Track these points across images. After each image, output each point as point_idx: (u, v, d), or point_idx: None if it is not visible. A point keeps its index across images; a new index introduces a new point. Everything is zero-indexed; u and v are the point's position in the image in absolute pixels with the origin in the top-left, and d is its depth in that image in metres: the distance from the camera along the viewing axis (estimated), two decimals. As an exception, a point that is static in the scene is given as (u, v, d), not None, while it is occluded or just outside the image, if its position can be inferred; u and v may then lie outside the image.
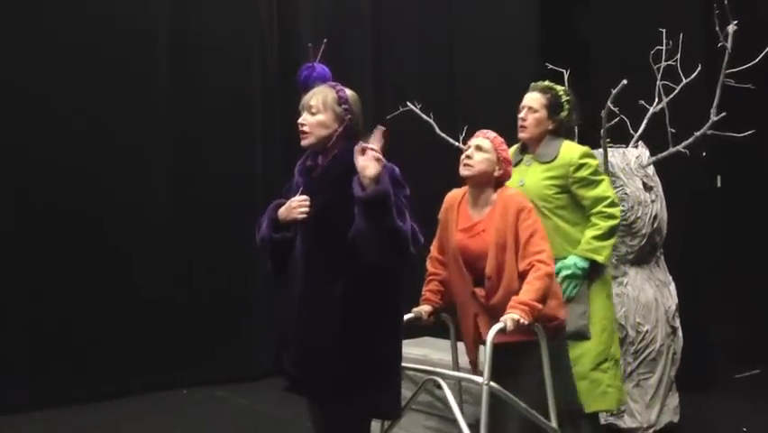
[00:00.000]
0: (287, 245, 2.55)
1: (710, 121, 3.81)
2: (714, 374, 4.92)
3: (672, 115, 4.00)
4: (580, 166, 3.18)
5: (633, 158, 3.97)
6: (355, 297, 2.42)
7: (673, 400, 3.97)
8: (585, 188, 3.19)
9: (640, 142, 4.10)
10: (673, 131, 3.97)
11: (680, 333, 3.98)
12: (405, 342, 2.88)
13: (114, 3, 5.04)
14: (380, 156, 2.32)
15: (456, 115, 5.38)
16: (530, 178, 3.22)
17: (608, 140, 3.95)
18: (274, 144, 5.63)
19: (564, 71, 4.30)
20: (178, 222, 5.27)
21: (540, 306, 2.66)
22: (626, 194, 3.89)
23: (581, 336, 3.13)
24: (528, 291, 2.65)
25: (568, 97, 3.33)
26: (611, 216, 3.17)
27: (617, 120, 4.13)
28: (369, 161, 2.31)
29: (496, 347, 2.63)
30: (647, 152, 4.04)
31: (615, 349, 3.24)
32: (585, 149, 3.27)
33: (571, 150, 3.23)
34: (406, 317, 2.87)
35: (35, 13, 4.72)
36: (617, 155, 3.96)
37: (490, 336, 2.54)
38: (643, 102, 4.13)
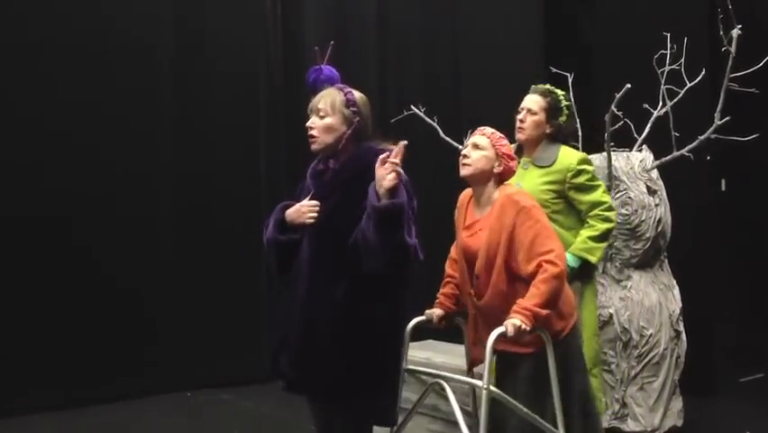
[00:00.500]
0: (292, 247, 2.56)
1: (714, 125, 3.81)
2: (718, 378, 4.91)
3: (676, 119, 4.00)
4: (579, 172, 3.21)
5: (637, 162, 3.97)
6: (357, 300, 2.43)
7: (677, 403, 3.97)
8: (582, 194, 3.23)
9: (644, 146, 4.11)
10: (677, 135, 3.97)
11: (683, 336, 3.98)
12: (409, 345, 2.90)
13: (116, 11, 5.04)
14: (400, 170, 2.31)
15: (460, 119, 5.39)
16: (527, 182, 3.23)
17: (612, 144, 3.96)
18: (278, 147, 5.64)
19: (568, 75, 4.31)
20: (183, 224, 5.28)
21: (544, 312, 2.56)
22: (629, 198, 3.89)
23: None
24: (533, 296, 2.56)
25: (567, 102, 3.36)
26: (608, 220, 3.22)
27: (620, 124, 4.13)
28: (388, 173, 2.29)
29: (497, 353, 2.63)
30: (651, 156, 4.04)
31: (601, 354, 3.30)
32: (582, 155, 3.30)
33: (569, 155, 3.25)
34: (416, 319, 2.88)
35: (37, 28, 4.72)
36: (620, 159, 3.97)
37: (490, 340, 2.50)
38: (647, 106, 4.13)
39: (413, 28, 6.28)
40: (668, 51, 4.07)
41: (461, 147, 4.42)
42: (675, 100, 4.03)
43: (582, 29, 5.92)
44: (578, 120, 4.02)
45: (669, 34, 4.10)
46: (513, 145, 3.33)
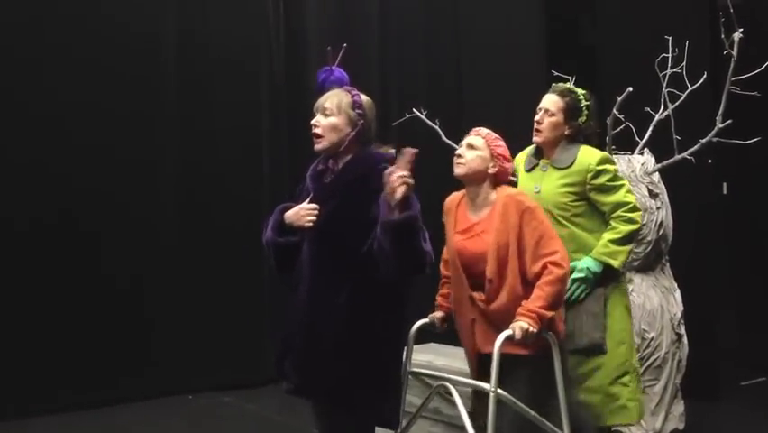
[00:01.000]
0: (291, 249, 2.55)
1: (716, 128, 3.81)
2: (720, 382, 4.90)
3: (677, 122, 4.00)
4: (599, 173, 3.07)
5: (638, 165, 3.98)
6: (359, 304, 2.42)
7: (679, 407, 3.97)
8: (604, 195, 3.08)
9: (645, 150, 4.10)
10: (679, 138, 3.97)
11: (685, 340, 3.98)
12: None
13: (118, 11, 5.04)
14: (410, 180, 2.28)
15: (462, 122, 5.39)
16: (546, 185, 3.13)
17: (614, 147, 3.96)
18: (281, 147, 5.64)
19: (570, 78, 4.31)
20: (185, 226, 5.28)
21: (549, 314, 2.57)
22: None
23: (597, 349, 3.03)
24: (538, 298, 2.56)
25: (588, 102, 3.19)
26: (631, 221, 3.06)
27: (622, 127, 4.13)
28: (398, 185, 2.27)
29: (487, 357, 2.62)
30: (653, 160, 4.04)
31: (635, 361, 3.16)
32: (603, 154, 3.16)
33: (588, 155, 3.10)
34: (419, 323, 2.87)
35: (39, 29, 4.73)
36: (622, 162, 3.97)
37: (498, 343, 2.49)
38: (648, 109, 4.13)
39: (415, 29, 6.29)
40: (670, 55, 4.08)
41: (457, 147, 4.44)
42: (677, 103, 4.03)
43: (584, 32, 5.93)
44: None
45: (671, 37, 4.10)
46: (531, 147, 3.29)
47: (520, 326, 2.52)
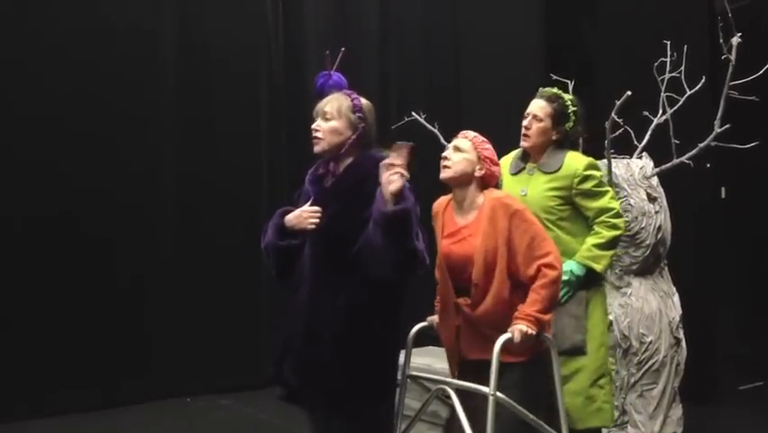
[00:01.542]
0: (292, 253, 2.54)
1: (714, 132, 3.82)
2: (718, 386, 4.91)
3: (676, 126, 4.01)
4: (585, 178, 3.11)
5: (637, 169, 3.98)
6: (358, 306, 2.41)
7: (677, 411, 3.97)
8: (589, 200, 3.13)
9: (644, 153, 4.11)
10: (677, 142, 3.98)
11: (683, 344, 3.98)
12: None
13: (117, 12, 5.05)
14: (405, 172, 2.28)
15: (461, 125, 5.39)
16: (533, 188, 3.16)
17: (613, 151, 3.97)
18: (280, 151, 5.65)
19: (569, 82, 4.32)
20: (183, 229, 5.28)
21: (547, 317, 2.58)
22: (630, 205, 3.89)
23: (578, 351, 3.07)
24: (534, 302, 2.56)
25: (575, 108, 3.22)
26: (615, 227, 3.12)
27: (621, 131, 4.14)
28: (393, 176, 2.27)
29: (476, 363, 2.62)
30: (651, 163, 4.05)
31: (609, 364, 3.21)
32: (590, 160, 3.20)
33: (575, 161, 3.15)
34: (418, 326, 2.86)
35: (36, 29, 4.74)
36: (621, 166, 3.97)
37: (497, 346, 2.48)
38: (647, 113, 4.14)
39: (414, 32, 6.31)
40: (668, 59, 4.08)
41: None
42: (675, 108, 4.04)
43: (583, 36, 5.94)
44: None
45: (669, 42, 4.11)
46: (517, 151, 3.33)
47: (519, 329, 2.51)
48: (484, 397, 2.50)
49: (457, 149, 2.76)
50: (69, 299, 4.77)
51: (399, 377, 2.88)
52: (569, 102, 3.23)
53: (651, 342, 3.84)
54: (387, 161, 2.30)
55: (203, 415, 4.83)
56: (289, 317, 2.55)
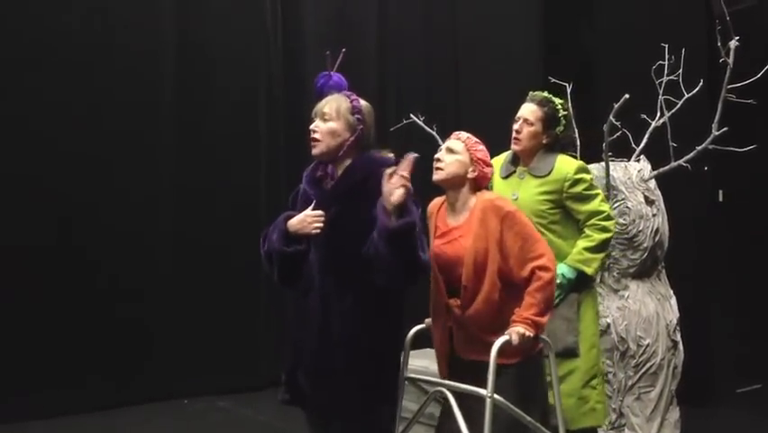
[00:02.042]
0: (299, 258, 2.51)
1: (712, 136, 3.83)
2: (715, 389, 4.91)
3: (673, 129, 4.02)
4: (576, 182, 3.13)
5: (634, 172, 3.99)
6: (365, 308, 2.41)
7: (674, 414, 3.97)
8: (580, 203, 3.15)
9: (642, 156, 4.12)
10: (675, 145, 3.99)
11: (680, 346, 3.99)
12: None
13: (116, 15, 5.05)
14: (409, 184, 2.26)
15: (460, 128, 5.39)
16: (524, 192, 3.18)
17: (610, 153, 3.97)
18: (278, 157, 5.65)
19: (567, 85, 4.33)
20: (182, 233, 5.28)
21: (544, 320, 2.57)
22: (627, 208, 3.90)
23: (571, 353, 3.10)
24: (531, 306, 2.55)
25: (565, 112, 3.26)
26: (605, 230, 3.14)
27: (619, 134, 4.15)
28: (396, 188, 2.25)
29: (468, 363, 2.62)
30: (649, 166, 4.05)
31: (601, 365, 3.24)
32: (580, 163, 3.22)
33: (566, 164, 3.17)
34: (416, 328, 2.86)
35: (40, 41, 4.74)
36: (618, 169, 3.98)
37: (495, 348, 2.48)
38: (645, 116, 4.15)
39: (413, 34, 6.31)
40: (666, 62, 4.09)
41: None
42: (673, 111, 4.05)
43: (581, 39, 5.95)
44: (575, 129, 4.01)
45: (667, 45, 4.12)
46: (508, 153, 3.34)
47: (517, 331, 2.51)
48: (477, 398, 2.50)
49: (450, 150, 2.74)
50: (68, 301, 4.77)
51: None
52: (559, 106, 3.26)
53: (648, 345, 3.84)
54: (391, 170, 2.28)
55: (201, 417, 4.83)
56: (300, 323, 2.53)
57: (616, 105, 3.81)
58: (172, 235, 5.25)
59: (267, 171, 5.61)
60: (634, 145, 4.19)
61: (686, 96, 4.02)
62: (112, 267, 4.97)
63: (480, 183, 2.75)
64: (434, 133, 4.77)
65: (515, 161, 3.29)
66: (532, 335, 2.53)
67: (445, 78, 6.32)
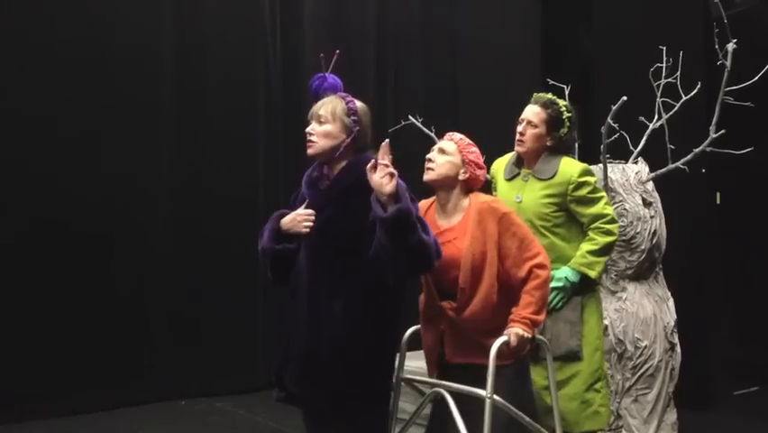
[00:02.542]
0: (288, 257, 2.53)
1: (709, 138, 3.83)
2: (712, 391, 4.92)
3: (671, 131, 4.03)
4: (580, 185, 3.12)
5: (632, 174, 3.99)
6: (356, 311, 2.41)
7: (671, 416, 3.97)
8: (584, 206, 3.14)
9: (640, 159, 4.13)
10: (673, 147, 4.00)
11: (678, 349, 3.99)
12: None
13: (115, 18, 5.04)
14: (394, 171, 2.26)
15: (458, 130, 5.41)
16: (528, 195, 3.17)
17: (608, 155, 3.98)
18: (277, 157, 5.65)
19: (565, 87, 4.34)
20: (180, 232, 5.27)
21: (541, 318, 2.59)
22: (625, 210, 3.91)
23: (574, 356, 3.09)
24: (529, 304, 2.56)
25: (569, 114, 3.24)
26: (609, 233, 3.13)
27: (616, 136, 4.16)
28: (384, 177, 2.26)
29: (460, 367, 2.63)
30: (647, 168, 4.06)
31: (605, 368, 3.24)
32: (584, 166, 3.21)
33: (570, 167, 3.16)
34: (412, 329, 2.86)
35: (33, 32, 4.73)
36: (616, 171, 3.99)
37: (494, 349, 2.49)
38: (643, 118, 4.16)
39: (411, 38, 6.31)
40: (664, 65, 4.10)
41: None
42: (671, 113, 4.06)
43: (580, 41, 5.96)
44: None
45: (665, 48, 4.13)
46: (511, 155, 3.34)
47: (515, 332, 2.51)
48: (472, 399, 2.51)
49: (442, 151, 2.74)
50: (65, 302, 4.75)
51: (393, 380, 2.89)
52: (563, 108, 3.24)
53: (646, 346, 3.84)
54: (371, 164, 2.29)
55: (198, 418, 4.82)
56: (289, 323, 2.54)
57: (614, 108, 3.82)
58: (170, 236, 5.24)
59: (265, 172, 5.60)
60: (632, 147, 4.19)
61: (684, 98, 4.03)
62: (111, 270, 4.95)
63: (472, 185, 2.74)
64: (433, 134, 4.77)
65: (519, 163, 3.29)
66: (529, 336, 2.53)
67: (444, 80, 6.32)
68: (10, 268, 4.60)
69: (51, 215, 4.75)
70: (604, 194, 3.26)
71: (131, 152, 5.06)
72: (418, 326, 2.87)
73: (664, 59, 4.10)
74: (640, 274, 3.96)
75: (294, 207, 2.59)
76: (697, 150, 3.89)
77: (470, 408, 2.51)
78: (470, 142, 2.79)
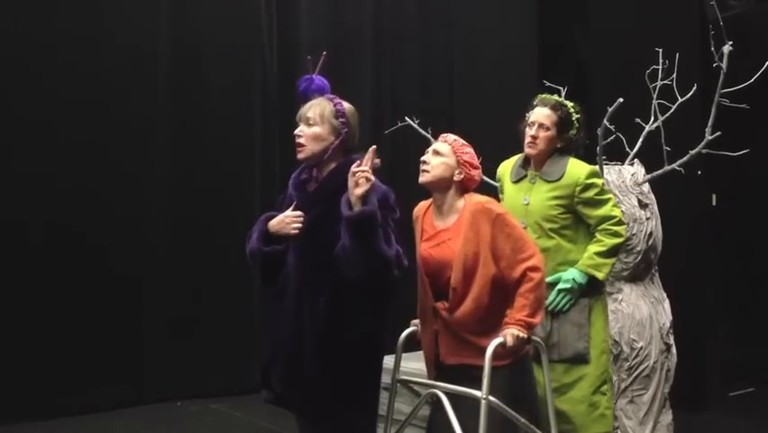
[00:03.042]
0: (277, 258, 2.54)
1: (705, 140, 3.84)
2: (708, 392, 4.92)
3: (667, 133, 4.03)
4: (587, 186, 3.12)
5: (628, 175, 4.00)
6: (340, 311, 2.41)
7: (667, 417, 3.98)
8: (591, 208, 3.14)
9: (636, 160, 4.13)
10: (669, 149, 4.00)
11: (674, 350, 3.99)
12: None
13: (111, 19, 5.03)
14: (370, 176, 2.30)
15: (454, 131, 5.41)
16: (535, 196, 3.17)
17: (605, 157, 3.98)
18: (273, 158, 5.65)
19: (562, 89, 4.34)
20: (175, 234, 5.27)
21: (536, 321, 2.59)
22: (621, 211, 3.91)
23: (581, 359, 3.08)
24: (523, 307, 2.57)
25: (578, 115, 3.24)
26: (616, 234, 3.13)
27: (613, 138, 4.16)
28: (358, 181, 2.30)
29: (454, 368, 2.63)
30: (643, 170, 4.06)
31: (610, 371, 3.23)
32: (591, 168, 3.20)
33: (577, 169, 3.15)
34: (408, 331, 2.86)
35: (37, 40, 4.73)
36: (612, 173, 3.99)
37: (489, 350, 2.49)
38: (639, 120, 4.16)
39: (408, 40, 6.31)
40: (660, 67, 4.11)
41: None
42: (667, 115, 4.06)
43: (576, 43, 5.97)
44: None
45: (661, 50, 4.13)
46: (518, 157, 3.32)
47: (511, 333, 2.52)
48: (465, 402, 2.51)
49: (436, 153, 2.74)
50: (63, 303, 4.75)
51: (389, 381, 2.89)
52: (572, 109, 3.24)
53: (641, 348, 3.85)
54: (355, 167, 2.32)
55: (194, 419, 4.81)
56: (275, 323, 2.55)
57: (610, 109, 3.82)
58: (167, 238, 5.24)
59: (262, 175, 5.60)
60: (628, 149, 4.20)
61: (680, 100, 4.03)
62: (106, 272, 4.94)
63: (467, 186, 2.75)
64: (430, 136, 4.77)
65: (525, 164, 3.28)
66: (525, 336, 2.54)
67: (440, 82, 6.33)
68: (8, 268, 4.60)
69: (47, 215, 4.74)
70: (611, 196, 3.25)
71: (127, 152, 5.06)
72: (413, 328, 2.87)
73: (660, 60, 4.11)
74: (636, 276, 3.96)
75: (281, 210, 2.59)
76: (693, 151, 3.90)
77: (466, 409, 2.52)
78: (465, 142, 2.79)
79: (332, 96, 2.60)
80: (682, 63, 4.08)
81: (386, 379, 2.70)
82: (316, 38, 5.69)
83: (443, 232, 2.71)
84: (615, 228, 3.13)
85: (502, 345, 2.51)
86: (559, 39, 6.05)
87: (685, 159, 3.93)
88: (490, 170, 3.45)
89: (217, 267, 5.33)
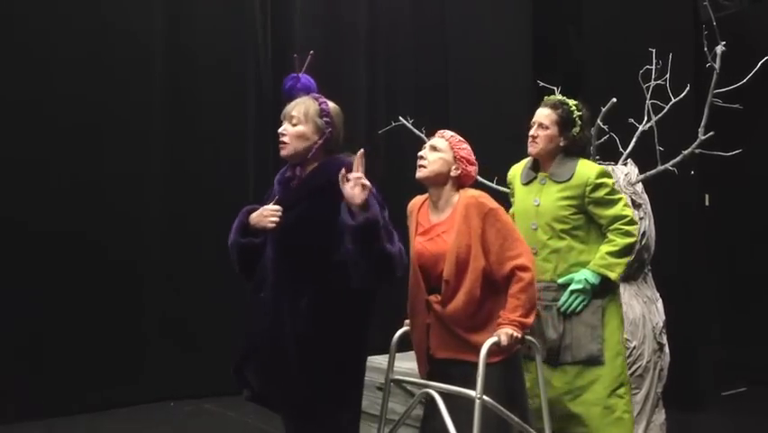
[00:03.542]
0: (253, 251, 2.55)
1: (698, 140, 3.85)
2: (701, 391, 4.94)
3: (660, 133, 4.04)
4: (597, 186, 3.09)
5: (622, 175, 4.00)
6: (321, 310, 2.40)
7: (660, 416, 3.98)
8: (602, 208, 3.11)
9: (629, 160, 4.14)
10: (662, 149, 4.01)
11: (666, 349, 4.00)
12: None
13: (106, 15, 5.03)
14: (366, 182, 2.29)
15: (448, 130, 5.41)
16: (545, 198, 3.15)
17: (598, 157, 3.99)
18: (267, 154, 5.63)
19: (556, 89, 4.35)
20: (168, 232, 5.27)
21: (529, 320, 2.60)
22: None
23: (595, 361, 3.05)
24: (516, 308, 2.58)
25: (580, 113, 3.21)
26: (628, 234, 3.10)
27: (606, 138, 4.17)
28: (355, 189, 2.28)
29: (444, 362, 2.63)
30: (636, 170, 4.07)
31: (627, 373, 3.19)
32: (601, 168, 3.19)
33: (587, 169, 3.13)
34: (401, 330, 2.86)
35: (36, 33, 4.73)
36: (606, 172, 3.99)
37: (484, 349, 2.50)
38: (632, 120, 4.17)
39: (403, 40, 6.32)
40: (653, 67, 4.12)
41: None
42: (660, 115, 4.07)
43: (570, 44, 5.98)
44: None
45: (654, 50, 4.14)
46: (528, 159, 3.31)
47: (506, 332, 2.53)
48: (458, 399, 2.51)
49: (433, 148, 2.76)
50: (61, 304, 4.75)
51: (383, 381, 2.89)
52: (573, 107, 3.22)
53: (634, 347, 3.85)
54: (343, 172, 2.30)
55: (188, 419, 4.81)
56: (252, 318, 2.54)
57: (603, 109, 3.83)
58: (159, 236, 5.23)
59: (255, 173, 5.60)
60: (621, 149, 4.20)
61: (673, 100, 4.04)
62: (101, 271, 4.94)
63: (464, 181, 2.77)
64: (423, 135, 4.77)
65: (535, 166, 3.27)
66: (520, 336, 2.55)
67: (435, 81, 6.33)
68: (5, 268, 4.59)
69: (43, 214, 4.74)
70: (623, 195, 3.23)
71: (121, 149, 5.06)
72: (407, 328, 2.87)
73: (654, 61, 4.12)
74: (629, 275, 3.96)
75: (266, 204, 2.59)
76: (686, 151, 3.91)
77: (463, 406, 2.52)
78: (461, 139, 2.81)
79: (317, 95, 2.60)
80: (676, 63, 4.09)
81: (380, 379, 2.70)
82: (310, 37, 5.69)
83: (438, 225, 2.73)
84: (627, 228, 3.10)
85: (497, 344, 2.52)
86: (553, 39, 6.06)
87: (678, 159, 3.94)
88: (485, 168, 3.45)
89: (211, 266, 5.31)
